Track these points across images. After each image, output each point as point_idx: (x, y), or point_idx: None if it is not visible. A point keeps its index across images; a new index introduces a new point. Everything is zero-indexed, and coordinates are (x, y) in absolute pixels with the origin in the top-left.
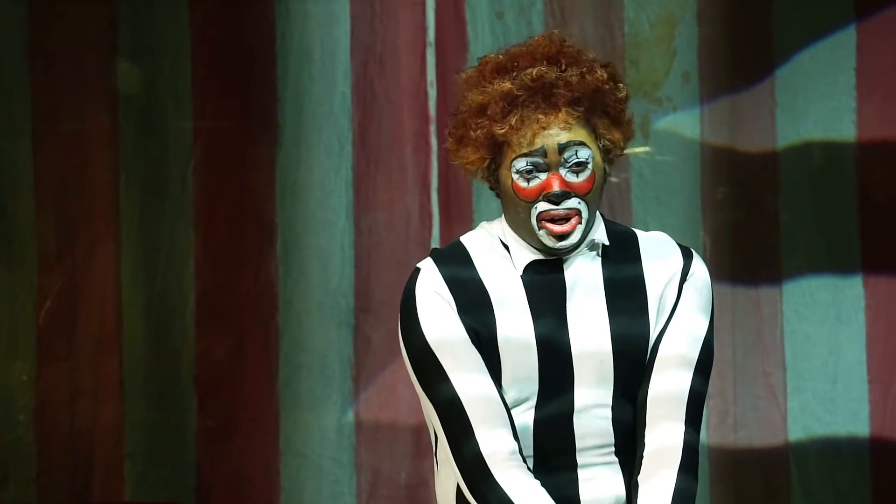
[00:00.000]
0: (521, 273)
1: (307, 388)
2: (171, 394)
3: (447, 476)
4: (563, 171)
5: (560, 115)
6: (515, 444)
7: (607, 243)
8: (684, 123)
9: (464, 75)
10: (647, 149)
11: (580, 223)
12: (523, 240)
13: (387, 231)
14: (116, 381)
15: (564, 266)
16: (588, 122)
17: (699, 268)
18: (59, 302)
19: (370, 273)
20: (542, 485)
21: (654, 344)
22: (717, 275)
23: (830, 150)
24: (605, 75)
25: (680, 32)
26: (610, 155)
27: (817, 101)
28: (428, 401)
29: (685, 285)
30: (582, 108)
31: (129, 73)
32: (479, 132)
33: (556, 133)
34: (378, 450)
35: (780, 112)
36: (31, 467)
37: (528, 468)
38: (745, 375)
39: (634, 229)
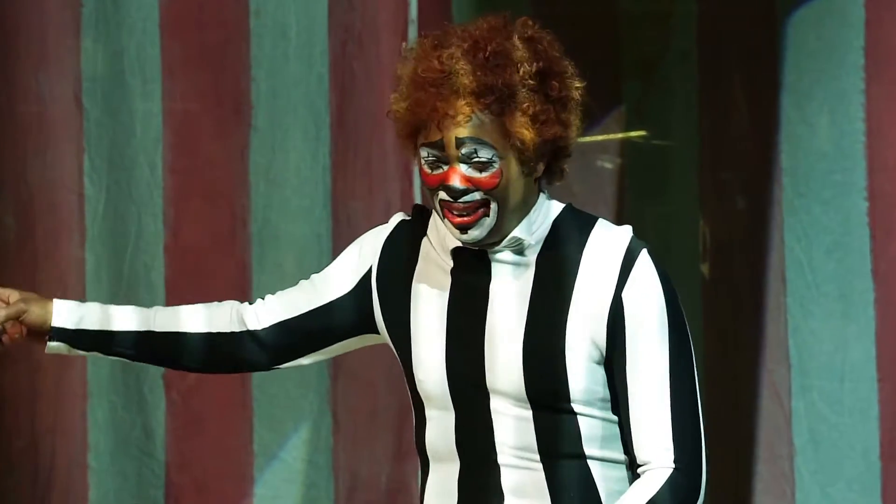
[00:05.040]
0: (451, 259)
1: (282, 387)
2: (138, 393)
3: None
4: (463, 167)
5: (460, 104)
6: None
7: (532, 242)
8: (682, 106)
9: (406, 46)
10: (642, 133)
11: (486, 216)
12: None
13: (366, 220)
14: (80, 379)
15: (491, 258)
16: (498, 117)
17: (642, 275)
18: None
19: None
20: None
21: (618, 377)
22: (717, 266)
23: (837, 134)
24: (531, 70)
25: (677, 9)
26: (524, 155)
27: (823, 83)
28: None
29: (626, 300)
30: (488, 101)
31: (93, 51)
32: (392, 108)
33: (456, 126)
34: (357, 452)
35: (783, 94)
36: None
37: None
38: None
39: (599, 222)
